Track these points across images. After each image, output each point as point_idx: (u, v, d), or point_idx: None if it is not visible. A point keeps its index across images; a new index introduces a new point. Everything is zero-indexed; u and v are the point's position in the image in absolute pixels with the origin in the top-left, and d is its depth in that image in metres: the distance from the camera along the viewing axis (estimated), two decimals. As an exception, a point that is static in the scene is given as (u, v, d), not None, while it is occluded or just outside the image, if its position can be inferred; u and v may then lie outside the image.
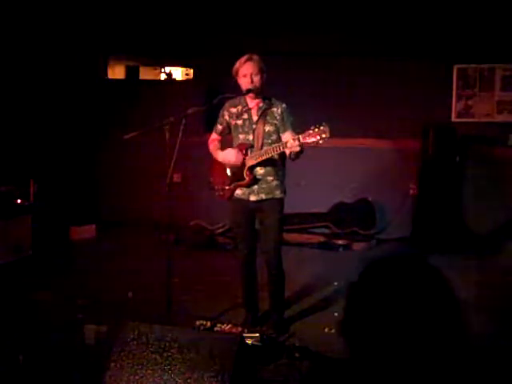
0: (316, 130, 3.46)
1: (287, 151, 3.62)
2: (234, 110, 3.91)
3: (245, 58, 3.74)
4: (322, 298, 4.73)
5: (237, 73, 3.78)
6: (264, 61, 3.79)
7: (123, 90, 7.51)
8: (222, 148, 3.96)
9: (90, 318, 3.95)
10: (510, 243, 6.03)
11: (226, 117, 3.94)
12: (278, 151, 3.66)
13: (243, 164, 3.80)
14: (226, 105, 3.95)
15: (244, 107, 3.87)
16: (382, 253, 6.31)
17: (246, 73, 3.72)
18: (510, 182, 6.36)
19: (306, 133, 3.48)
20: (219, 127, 4.00)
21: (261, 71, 3.75)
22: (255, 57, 3.75)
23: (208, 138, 4.07)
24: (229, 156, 3.84)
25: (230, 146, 3.96)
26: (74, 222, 6.67)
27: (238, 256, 4.06)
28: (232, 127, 3.93)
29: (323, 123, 3.48)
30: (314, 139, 3.46)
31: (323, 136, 3.45)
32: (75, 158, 7.15)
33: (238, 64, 3.76)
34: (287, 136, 3.77)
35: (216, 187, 3.98)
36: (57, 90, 7.00)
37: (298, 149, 3.54)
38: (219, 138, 4.01)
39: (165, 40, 7.23)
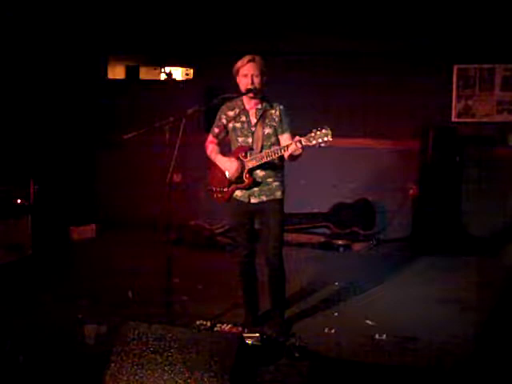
0: (318, 132, 3.47)
1: (286, 154, 3.62)
2: (231, 113, 3.90)
3: (247, 58, 3.74)
4: (322, 298, 4.73)
5: (237, 72, 3.77)
6: (265, 63, 3.79)
7: (123, 90, 7.51)
8: (221, 151, 3.97)
9: (90, 318, 3.96)
10: (510, 243, 6.03)
11: (224, 120, 3.93)
12: (279, 154, 3.66)
13: (242, 166, 3.80)
14: (223, 107, 3.94)
15: (241, 109, 3.86)
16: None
17: (247, 73, 3.72)
18: (509, 182, 6.36)
19: (308, 136, 3.49)
20: (216, 130, 3.99)
21: (262, 73, 3.74)
22: (257, 58, 3.75)
23: (207, 139, 4.07)
24: (228, 166, 3.83)
25: (228, 148, 3.96)
26: (73, 222, 6.67)
27: (237, 257, 4.06)
28: (229, 130, 3.92)
29: (325, 126, 3.48)
30: (315, 142, 3.47)
31: (325, 139, 3.46)
32: (75, 158, 7.15)
33: (239, 63, 3.75)
34: (286, 138, 3.77)
35: (214, 189, 3.97)
36: (57, 90, 6.99)
37: (299, 151, 3.55)
38: (216, 140, 4.01)
39: (165, 40, 7.23)
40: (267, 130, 3.80)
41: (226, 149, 4.00)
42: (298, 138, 3.53)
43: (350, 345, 3.81)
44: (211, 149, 3.99)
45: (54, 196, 6.30)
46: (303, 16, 6.67)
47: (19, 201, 5.68)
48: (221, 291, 4.79)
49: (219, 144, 4.01)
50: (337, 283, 5.11)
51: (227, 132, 3.95)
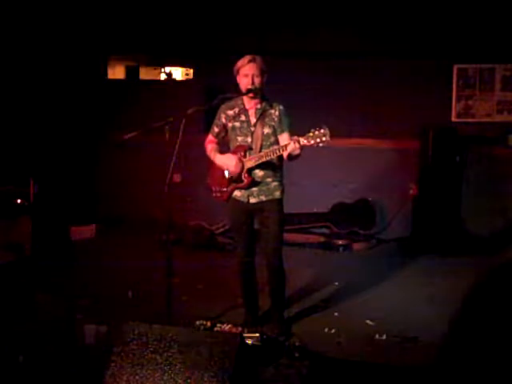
0: (316, 132, 3.48)
1: (285, 153, 3.63)
2: (230, 113, 3.90)
3: (248, 58, 3.74)
4: (322, 298, 4.73)
5: (238, 71, 3.78)
6: (265, 62, 3.79)
7: (123, 90, 7.51)
8: (220, 150, 3.97)
9: (90, 318, 3.96)
10: (510, 243, 6.02)
11: (223, 119, 3.93)
12: (278, 154, 3.66)
13: (242, 166, 3.80)
14: (223, 107, 3.94)
15: (241, 109, 3.86)
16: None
17: (248, 73, 3.72)
18: (510, 182, 6.36)
19: (307, 135, 3.50)
20: (215, 129, 4.00)
21: (262, 73, 3.75)
22: (258, 58, 3.76)
23: (206, 138, 4.08)
24: (228, 162, 3.84)
25: (227, 147, 3.96)
26: (73, 222, 6.67)
27: (236, 257, 4.06)
28: (229, 129, 3.92)
29: (323, 126, 3.49)
30: (313, 142, 3.48)
31: (323, 139, 3.47)
32: (75, 158, 7.15)
33: (240, 63, 3.76)
34: (285, 138, 3.78)
35: (213, 189, 3.98)
36: (57, 90, 6.99)
37: (298, 151, 3.56)
38: (216, 140, 4.02)
39: (165, 40, 7.23)
40: (266, 130, 3.81)
41: (224, 148, 4.01)
42: (296, 137, 3.54)
43: (350, 345, 3.81)
44: (210, 148, 4.00)
45: (54, 196, 6.30)
46: (303, 16, 6.67)
47: (19, 201, 5.68)
48: (221, 291, 4.79)
49: (219, 143, 4.02)
50: (337, 283, 5.11)
51: (226, 131, 3.95)
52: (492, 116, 6.58)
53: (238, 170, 3.81)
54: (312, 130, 3.49)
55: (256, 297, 4.16)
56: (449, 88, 6.64)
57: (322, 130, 3.47)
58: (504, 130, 6.45)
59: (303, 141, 3.50)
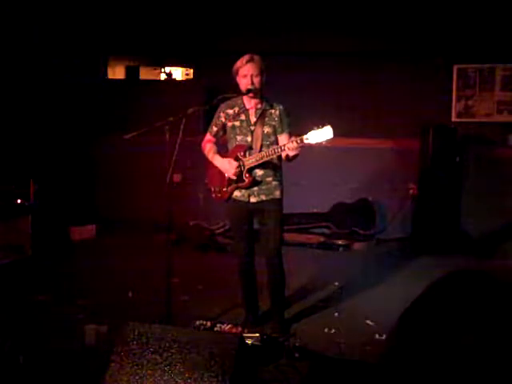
0: (319, 130, 3.46)
1: (284, 154, 3.62)
2: (230, 112, 3.90)
3: (246, 58, 3.74)
4: (322, 298, 4.73)
5: (237, 72, 3.77)
6: (264, 61, 3.79)
7: (123, 90, 7.51)
8: (218, 151, 3.97)
9: (90, 318, 3.96)
10: (510, 244, 6.02)
11: (222, 118, 3.93)
12: (279, 153, 3.65)
13: (242, 165, 3.80)
14: (222, 106, 3.94)
15: (241, 108, 3.86)
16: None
17: (247, 73, 3.72)
18: (509, 182, 6.36)
19: (309, 134, 3.48)
20: (214, 128, 3.99)
21: (261, 72, 3.75)
22: (256, 57, 3.75)
23: (203, 138, 4.07)
24: (227, 167, 3.83)
25: (225, 147, 3.96)
26: (73, 222, 6.67)
27: (236, 257, 4.06)
28: (228, 129, 3.92)
29: (326, 124, 3.47)
30: (316, 140, 3.46)
31: (326, 137, 3.45)
32: (75, 158, 7.15)
33: (238, 63, 3.75)
34: (284, 137, 3.77)
35: (213, 189, 3.97)
36: (57, 90, 7.00)
37: (298, 151, 3.55)
38: (214, 139, 4.01)
39: (165, 40, 7.23)
40: (266, 129, 3.80)
41: (223, 150, 4.00)
42: (297, 136, 3.53)
43: (350, 345, 3.81)
44: (209, 148, 3.98)
45: (54, 196, 6.30)
46: (303, 16, 6.67)
47: (19, 201, 5.68)
48: (221, 291, 4.79)
49: (216, 143, 4.01)
50: (337, 283, 5.11)
51: (225, 131, 3.95)
52: (492, 116, 6.58)
53: (238, 174, 3.80)
54: (314, 128, 3.48)
55: (256, 297, 4.16)
56: (449, 88, 6.64)
57: (324, 128, 3.46)
58: (504, 130, 6.46)
59: (306, 139, 3.49)
